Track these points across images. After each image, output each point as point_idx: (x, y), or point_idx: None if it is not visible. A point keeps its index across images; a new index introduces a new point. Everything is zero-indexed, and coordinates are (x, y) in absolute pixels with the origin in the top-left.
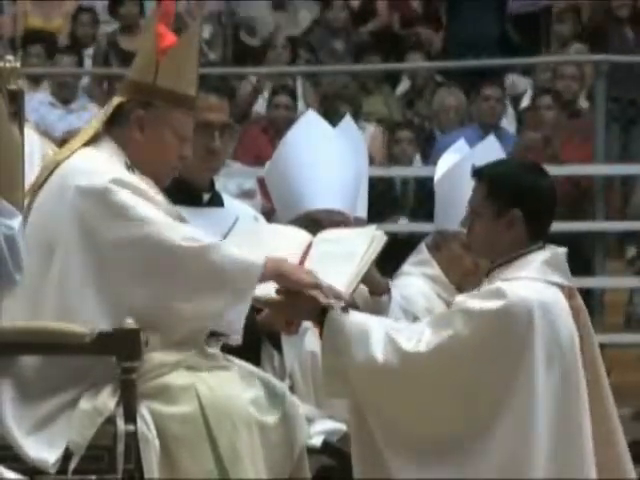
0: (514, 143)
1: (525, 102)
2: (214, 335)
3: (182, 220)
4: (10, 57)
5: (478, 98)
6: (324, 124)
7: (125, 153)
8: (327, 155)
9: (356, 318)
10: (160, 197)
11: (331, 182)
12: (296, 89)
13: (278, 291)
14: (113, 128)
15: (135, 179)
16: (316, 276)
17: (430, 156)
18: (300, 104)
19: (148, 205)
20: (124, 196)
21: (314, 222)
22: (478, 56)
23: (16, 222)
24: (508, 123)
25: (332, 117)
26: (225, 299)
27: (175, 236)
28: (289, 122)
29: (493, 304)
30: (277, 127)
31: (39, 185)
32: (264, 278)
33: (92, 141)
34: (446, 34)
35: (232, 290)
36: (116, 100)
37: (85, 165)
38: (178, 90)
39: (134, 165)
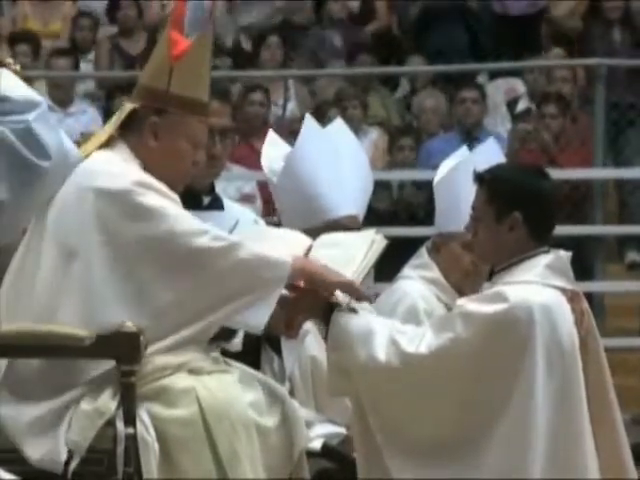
0: (508, 139)
1: (521, 105)
2: (214, 340)
3: None
4: (10, 60)
5: (456, 101)
6: (324, 132)
7: (138, 159)
8: (335, 162)
9: (362, 318)
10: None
11: (345, 188)
12: (289, 90)
13: (290, 288)
14: (126, 134)
15: (155, 180)
16: (341, 274)
17: (417, 159)
18: (292, 105)
19: (173, 205)
20: (150, 197)
21: (341, 229)
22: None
23: (32, 114)
24: (500, 125)
25: (327, 122)
26: (251, 297)
27: (204, 236)
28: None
29: (494, 307)
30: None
31: None
32: (292, 277)
33: (106, 145)
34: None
35: (260, 288)
36: (129, 106)
37: (104, 167)
38: (193, 96)
39: (148, 171)
